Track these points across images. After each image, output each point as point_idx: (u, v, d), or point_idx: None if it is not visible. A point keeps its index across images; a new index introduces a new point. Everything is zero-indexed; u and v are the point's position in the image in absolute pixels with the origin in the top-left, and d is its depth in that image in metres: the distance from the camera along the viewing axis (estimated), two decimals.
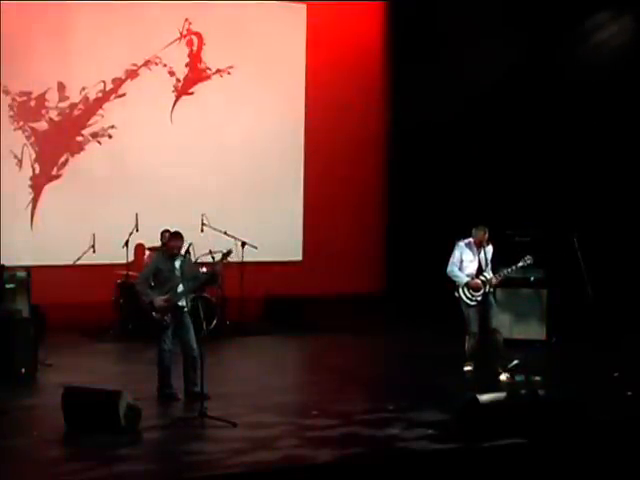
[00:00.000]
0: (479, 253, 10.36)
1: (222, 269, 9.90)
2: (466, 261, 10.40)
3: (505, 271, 10.40)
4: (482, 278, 10.31)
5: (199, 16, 14.44)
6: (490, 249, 10.41)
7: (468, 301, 10.33)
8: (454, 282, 10.38)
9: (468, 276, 10.33)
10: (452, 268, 10.41)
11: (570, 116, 13.17)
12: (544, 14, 13.26)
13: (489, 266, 10.37)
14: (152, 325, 9.23)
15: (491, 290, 10.37)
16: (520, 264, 10.33)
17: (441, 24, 14.59)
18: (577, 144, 13.10)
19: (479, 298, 10.32)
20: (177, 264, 9.25)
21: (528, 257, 10.29)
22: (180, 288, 9.20)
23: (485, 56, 13.65)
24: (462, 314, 10.38)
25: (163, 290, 9.20)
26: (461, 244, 10.45)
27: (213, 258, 10.25)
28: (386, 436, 8.01)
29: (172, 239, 9.36)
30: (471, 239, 10.40)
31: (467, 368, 10.38)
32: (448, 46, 14.45)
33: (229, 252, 9.46)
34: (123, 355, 11.99)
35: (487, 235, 10.33)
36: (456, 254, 10.45)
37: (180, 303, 9.24)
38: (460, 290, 10.35)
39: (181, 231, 9.43)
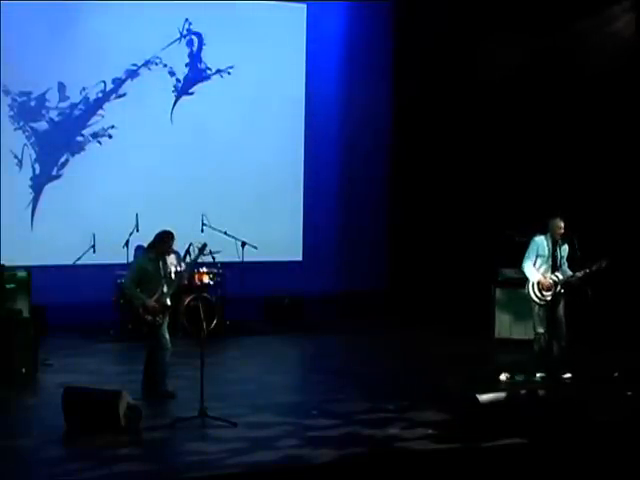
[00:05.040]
0: (554, 250, 10.03)
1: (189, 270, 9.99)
2: (541, 257, 10.02)
3: (578, 274, 9.97)
4: (554, 278, 9.99)
5: (199, 16, 14.43)
6: (566, 248, 10.07)
7: (538, 300, 9.98)
8: (527, 278, 10.03)
9: (541, 273, 9.97)
10: (526, 263, 10.02)
11: (572, 115, 13.15)
12: (548, 11, 13.23)
13: (565, 265, 10.04)
14: (145, 327, 9.29)
15: (562, 291, 10.02)
16: (594, 267, 9.93)
17: (444, 19, 14.55)
18: (578, 143, 13.08)
19: (549, 298, 9.98)
20: (161, 264, 9.36)
21: (604, 260, 9.91)
22: (165, 288, 9.31)
23: (490, 54, 13.66)
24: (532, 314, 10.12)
25: (149, 290, 9.28)
26: (537, 239, 10.06)
27: (189, 253, 10.13)
28: (386, 436, 8.01)
29: (169, 240, 9.37)
30: (547, 234, 10.03)
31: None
32: (452, 43, 14.43)
33: (204, 246, 9.50)
34: (123, 355, 11.99)
35: (562, 228, 9.96)
36: (531, 249, 10.05)
37: (168, 303, 9.36)
38: (530, 288, 10.00)
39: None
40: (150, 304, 9.21)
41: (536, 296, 10.02)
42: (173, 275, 9.41)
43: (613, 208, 12.69)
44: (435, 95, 14.67)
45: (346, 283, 14.83)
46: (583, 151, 13.01)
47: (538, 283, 9.97)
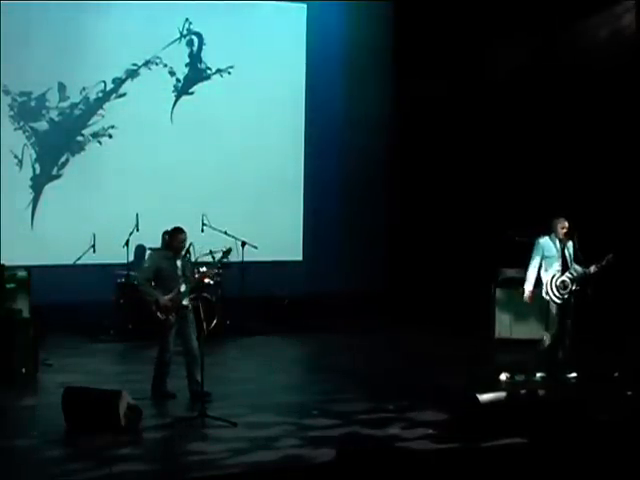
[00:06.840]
0: (563, 248, 10.00)
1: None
2: (549, 257, 9.99)
3: (589, 269, 9.93)
4: (569, 275, 9.94)
5: (199, 16, 14.44)
6: (571, 245, 10.05)
7: (557, 300, 9.91)
8: (541, 282, 10.01)
9: (554, 273, 9.94)
10: (528, 270, 10.06)
11: (573, 115, 13.14)
12: (550, 11, 13.22)
13: (574, 263, 9.98)
14: (156, 325, 9.25)
15: (575, 289, 9.99)
16: (604, 262, 9.89)
17: (445, 19, 14.54)
18: (580, 143, 13.08)
19: (566, 296, 9.95)
20: (179, 263, 9.29)
21: (610, 256, 9.86)
22: (183, 287, 9.24)
23: (491, 54, 13.63)
24: (547, 314, 10.08)
25: (165, 289, 9.22)
26: (541, 241, 10.05)
27: (213, 258, 10.35)
28: (386, 436, 8.01)
29: (178, 235, 9.34)
30: (551, 235, 10.03)
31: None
32: (452, 43, 14.43)
33: (229, 250, 9.47)
34: (123, 355, 12.00)
35: (566, 228, 9.96)
36: (536, 251, 10.04)
37: (184, 302, 9.29)
38: (547, 289, 9.95)
39: None
40: (163, 301, 9.15)
41: (555, 296, 9.95)
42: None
43: (615, 208, 12.68)
44: (435, 95, 14.66)
45: (346, 283, 14.81)
46: (585, 151, 13.00)
47: (551, 282, 9.91)
